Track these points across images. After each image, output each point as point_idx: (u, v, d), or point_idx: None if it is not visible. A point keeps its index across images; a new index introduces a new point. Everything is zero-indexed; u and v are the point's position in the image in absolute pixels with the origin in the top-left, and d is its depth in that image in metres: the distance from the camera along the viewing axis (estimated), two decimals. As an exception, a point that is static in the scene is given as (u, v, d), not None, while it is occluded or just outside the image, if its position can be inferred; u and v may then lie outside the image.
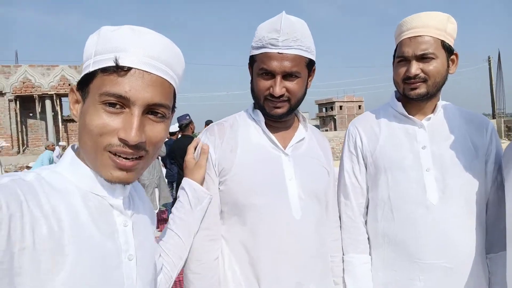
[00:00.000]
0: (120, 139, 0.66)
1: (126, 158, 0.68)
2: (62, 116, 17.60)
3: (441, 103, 1.33)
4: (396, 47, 1.31)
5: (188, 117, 5.27)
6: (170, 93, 0.73)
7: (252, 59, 1.16)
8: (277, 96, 1.09)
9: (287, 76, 1.09)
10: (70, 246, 0.62)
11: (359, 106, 62.69)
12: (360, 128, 1.39)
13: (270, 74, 1.09)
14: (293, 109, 1.16)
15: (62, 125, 17.38)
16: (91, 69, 0.68)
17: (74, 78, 16.44)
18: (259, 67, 1.11)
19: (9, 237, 0.56)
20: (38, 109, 16.44)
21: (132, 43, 0.68)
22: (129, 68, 0.67)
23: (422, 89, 1.24)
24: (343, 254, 1.34)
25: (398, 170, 1.27)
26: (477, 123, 1.30)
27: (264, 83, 1.11)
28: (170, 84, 0.73)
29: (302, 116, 1.26)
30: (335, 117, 61.89)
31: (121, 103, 0.66)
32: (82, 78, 0.70)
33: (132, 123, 0.66)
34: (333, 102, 63.06)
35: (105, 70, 0.67)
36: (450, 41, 1.25)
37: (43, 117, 16.71)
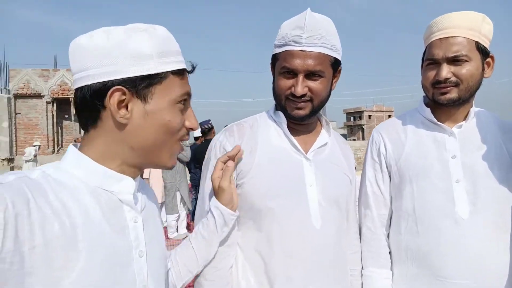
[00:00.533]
0: (188, 129, 0.78)
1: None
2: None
3: (474, 109, 1.23)
4: (425, 49, 1.23)
5: (210, 122, 5.33)
6: None
7: (275, 58, 1.11)
8: (299, 96, 1.04)
9: (310, 75, 1.04)
10: (83, 242, 0.62)
11: (389, 116, 61.19)
12: (385, 134, 1.31)
13: (292, 73, 1.05)
14: (315, 111, 1.10)
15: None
16: (160, 70, 0.70)
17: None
18: (281, 66, 1.07)
19: (17, 237, 0.55)
20: (72, 111, 17.22)
21: (177, 46, 0.77)
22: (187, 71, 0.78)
23: (453, 94, 1.15)
24: (362, 268, 1.26)
25: (424, 179, 1.18)
26: None
27: (286, 82, 1.06)
28: None
29: (326, 120, 1.21)
30: (363, 126, 60.71)
31: (184, 101, 0.76)
32: (140, 78, 0.68)
33: (193, 115, 0.79)
34: (362, 111, 61.98)
35: (177, 73, 0.74)
36: (486, 43, 1.16)
37: (77, 119, 17.50)
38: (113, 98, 0.67)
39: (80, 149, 0.73)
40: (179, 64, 0.74)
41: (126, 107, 0.69)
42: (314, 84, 1.05)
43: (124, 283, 0.68)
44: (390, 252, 1.27)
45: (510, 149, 1.17)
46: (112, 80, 0.67)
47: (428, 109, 1.25)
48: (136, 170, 0.76)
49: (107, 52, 0.68)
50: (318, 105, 1.08)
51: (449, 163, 1.17)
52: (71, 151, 0.72)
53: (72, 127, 17.85)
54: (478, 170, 1.14)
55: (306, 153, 1.11)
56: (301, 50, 1.02)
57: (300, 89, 1.03)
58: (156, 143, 0.72)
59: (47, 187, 0.62)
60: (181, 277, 1.00)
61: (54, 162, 0.71)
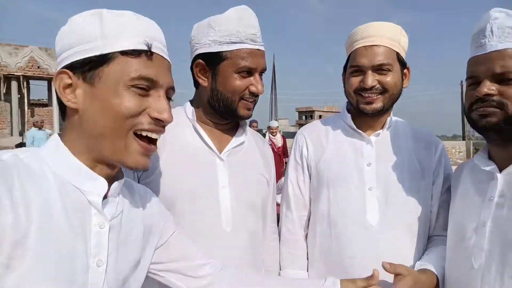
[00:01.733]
0: (155, 119, 0.69)
1: (150, 142, 0.70)
2: (29, 99, 16.76)
3: (391, 118, 1.27)
4: (349, 57, 1.24)
5: None
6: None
7: (219, 57, 1.06)
8: (256, 95, 1.08)
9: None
10: (34, 240, 0.57)
11: (338, 117, 63.58)
12: (308, 137, 1.32)
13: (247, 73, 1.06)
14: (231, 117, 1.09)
15: (28, 109, 16.50)
16: (106, 51, 0.66)
17: (44, 61, 15.73)
18: (240, 65, 1.05)
19: None
20: (2, 90, 15.56)
21: (147, 29, 0.70)
22: (156, 54, 0.70)
23: (378, 104, 1.17)
24: (280, 269, 1.26)
25: (340, 185, 1.21)
26: (426, 142, 1.26)
27: (243, 81, 1.06)
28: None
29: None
30: (314, 126, 62.40)
31: (148, 87, 0.68)
32: (83, 61, 0.66)
33: (164, 104, 0.70)
34: (313, 111, 63.85)
35: (130, 53, 0.67)
36: (403, 54, 1.20)
37: (8, 99, 15.83)
38: (58, 82, 0.67)
39: (61, 137, 0.70)
40: (135, 45, 0.68)
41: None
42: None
43: None
44: (308, 253, 1.28)
45: (420, 159, 1.23)
46: (65, 64, 0.68)
47: (349, 116, 1.27)
48: (108, 169, 0.70)
49: (66, 37, 0.69)
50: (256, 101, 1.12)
51: (364, 171, 1.20)
52: (53, 138, 0.70)
53: (2, 107, 16.04)
54: (391, 178, 1.18)
55: (220, 153, 1.08)
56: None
57: (261, 88, 1.08)
58: (105, 130, 0.67)
59: (14, 172, 0.59)
60: None
61: (35, 148, 0.69)
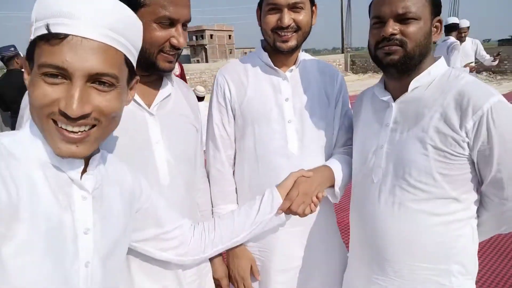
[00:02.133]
0: (60, 111, 0.63)
1: (73, 132, 0.65)
2: None
3: (301, 54, 1.38)
4: None
5: (13, 49, 4.36)
6: (117, 60, 0.68)
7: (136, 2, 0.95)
8: (177, 48, 1.03)
9: None
10: (26, 213, 0.62)
11: (229, 36, 62.59)
12: (229, 78, 1.35)
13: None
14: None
15: None
16: (31, 37, 0.65)
17: None
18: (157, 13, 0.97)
19: None
20: None
21: (69, 7, 0.62)
22: (66, 35, 0.61)
23: (293, 42, 1.24)
24: (212, 207, 1.36)
25: (263, 122, 1.30)
26: (329, 75, 1.41)
27: None
28: (117, 50, 0.67)
29: None
30: (206, 47, 60.57)
31: (61, 73, 0.62)
32: (28, 47, 0.66)
33: (73, 95, 0.62)
34: (204, 30, 61.22)
35: (41, 38, 0.62)
36: None
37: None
38: (23, 68, 0.69)
39: None
40: (41, 30, 0.63)
41: None
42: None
43: (66, 258, 0.68)
44: (236, 189, 1.40)
45: (327, 89, 1.38)
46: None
47: (266, 54, 1.32)
48: None
49: None
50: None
51: (283, 106, 1.31)
52: (30, 123, 0.70)
53: None
54: (305, 110, 1.32)
55: (149, 108, 1.05)
56: None
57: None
58: (35, 122, 0.67)
59: None
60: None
61: (14, 131, 0.71)
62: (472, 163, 1.00)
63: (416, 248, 1.06)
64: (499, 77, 14.24)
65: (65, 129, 0.65)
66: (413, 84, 1.07)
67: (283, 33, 1.22)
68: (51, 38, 0.61)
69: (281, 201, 1.15)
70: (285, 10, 1.20)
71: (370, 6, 1.11)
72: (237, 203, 1.39)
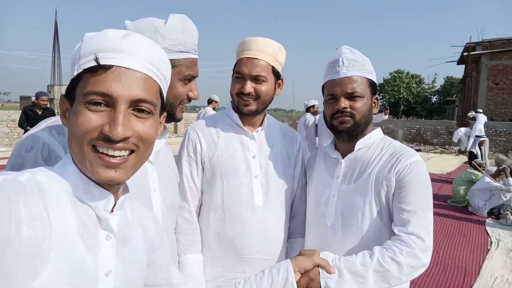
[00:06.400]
0: (102, 136, 0.65)
1: (113, 156, 0.66)
2: None
3: (267, 117, 1.54)
4: (236, 63, 1.44)
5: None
6: (155, 90, 0.72)
7: None
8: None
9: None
10: (53, 253, 0.61)
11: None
12: (200, 133, 1.46)
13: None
14: None
15: None
16: (76, 73, 0.68)
17: None
18: (183, 73, 1.09)
19: None
20: None
21: (115, 44, 0.68)
22: (110, 66, 0.66)
23: (253, 107, 1.41)
24: (179, 256, 1.37)
25: (232, 176, 1.41)
26: (290, 136, 1.59)
27: None
28: (155, 81, 0.73)
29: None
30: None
31: (105, 101, 0.66)
32: (69, 85, 0.70)
33: (117, 118, 0.65)
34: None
35: (88, 71, 0.66)
36: (279, 68, 1.46)
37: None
38: (60, 107, 0.73)
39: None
40: (89, 62, 0.67)
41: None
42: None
43: None
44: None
45: (287, 149, 1.55)
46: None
47: (237, 115, 1.47)
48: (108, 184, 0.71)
49: None
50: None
51: (250, 162, 1.44)
52: (65, 157, 0.73)
53: None
54: (270, 167, 1.46)
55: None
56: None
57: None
58: (74, 152, 0.68)
59: (31, 192, 0.62)
60: None
61: (47, 167, 0.72)
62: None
63: None
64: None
65: (106, 154, 0.66)
66: (358, 145, 1.35)
67: (245, 98, 1.40)
68: (98, 69, 0.66)
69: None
70: (248, 80, 1.38)
71: (323, 86, 1.37)
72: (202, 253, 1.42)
